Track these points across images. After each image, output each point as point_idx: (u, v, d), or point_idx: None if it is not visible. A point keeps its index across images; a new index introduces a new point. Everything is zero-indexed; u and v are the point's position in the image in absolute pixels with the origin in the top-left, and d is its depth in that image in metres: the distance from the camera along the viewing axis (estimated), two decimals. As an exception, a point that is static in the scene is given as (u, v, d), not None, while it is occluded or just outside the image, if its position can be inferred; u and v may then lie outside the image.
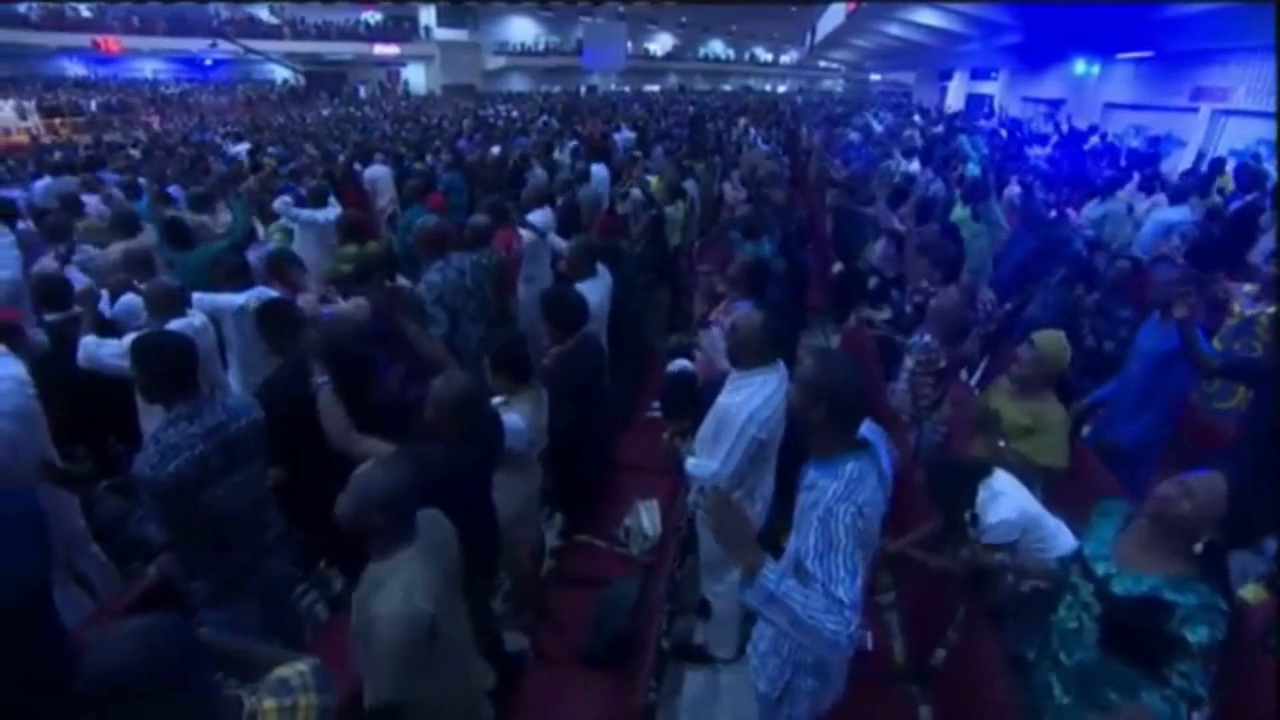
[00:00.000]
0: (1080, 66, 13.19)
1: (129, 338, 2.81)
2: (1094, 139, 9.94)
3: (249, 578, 2.14)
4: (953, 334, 2.79)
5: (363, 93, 29.23)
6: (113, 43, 23.43)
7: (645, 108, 18.17)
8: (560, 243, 3.90)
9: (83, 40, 23.04)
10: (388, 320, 2.94)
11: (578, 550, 2.84)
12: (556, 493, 2.93)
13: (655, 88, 36.19)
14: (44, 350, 2.98)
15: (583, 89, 31.87)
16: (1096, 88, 13.13)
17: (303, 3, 27.39)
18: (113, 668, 0.97)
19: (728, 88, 40.35)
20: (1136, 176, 6.19)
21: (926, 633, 2.34)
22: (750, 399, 2.09)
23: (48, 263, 3.91)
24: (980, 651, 2.07)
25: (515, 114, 16.06)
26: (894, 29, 16.61)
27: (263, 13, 27.42)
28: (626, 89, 34.05)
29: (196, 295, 3.02)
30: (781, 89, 44.21)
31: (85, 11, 23.28)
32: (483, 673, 1.91)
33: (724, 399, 2.17)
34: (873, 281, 4.65)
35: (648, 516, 2.78)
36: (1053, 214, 4.48)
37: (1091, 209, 5.31)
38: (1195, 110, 10.23)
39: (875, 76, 37.05)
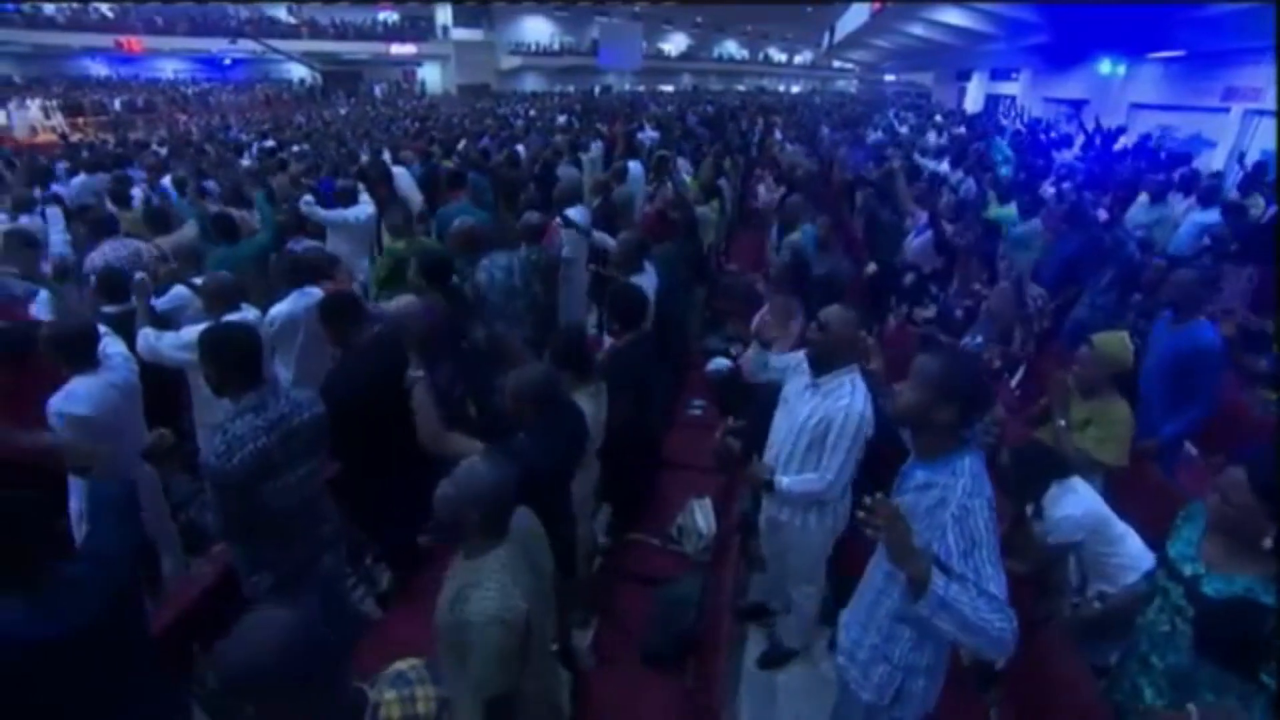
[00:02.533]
0: (1106, 66, 13.03)
1: (188, 330, 2.86)
2: (1123, 139, 9.81)
3: (308, 572, 2.16)
4: (1007, 333, 2.76)
5: (379, 92, 29.40)
6: (135, 43, 23.73)
7: (663, 107, 18.14)
8: (607, 239, 3.89)
9: (105, 40, 23.35)
10: (439, 318, 2.94)
11: (630, 548, 2.83)
12: (609, 490, 2.92)
13: (669, 88, 36.19)
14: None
15: (597, 89, 31.88)
16: (1122, 88, 12.97)
17: (322, 3, 27.60)
18: (255, 659, 0.97)
19: (741, 88, 40.29)
20: (1175, 177, 6.10)
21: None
22: (854, 401, 2.04)
23: (97, 257, 3.96)
24: (1051, 654, 2.04)
25: (533, 113, 16.06)
26: (917, 29, 16.49)
27: (280, 13, 27.68)
28: (641, 88, 34.05)
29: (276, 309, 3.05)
30: (795, 89, 44.11)
31: (108, 12, 23.57)
32: (562, 670, 1.89)
33: (821, 406, 2.08)
34: (909, 277, 4.61)
35: (701, 515, 2.77)
36: (1102, 215, 4.41)
37: (1142, 213, 5.23)
38: (1226, 111, 10.09)
39: (889, 77, 36.85)
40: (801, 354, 2.34)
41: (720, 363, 4.21)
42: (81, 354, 2.38)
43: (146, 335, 2.78)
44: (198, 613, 2.33)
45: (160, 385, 3.10)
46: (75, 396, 2.27)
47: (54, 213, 4.20)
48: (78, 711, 1.41)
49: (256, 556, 2.05)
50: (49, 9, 22.01)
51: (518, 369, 2.00)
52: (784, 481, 2.15)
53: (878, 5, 16.60)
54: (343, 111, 20.74)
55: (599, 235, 3.96)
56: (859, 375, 2.11)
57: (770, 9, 33.08)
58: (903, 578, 1.56)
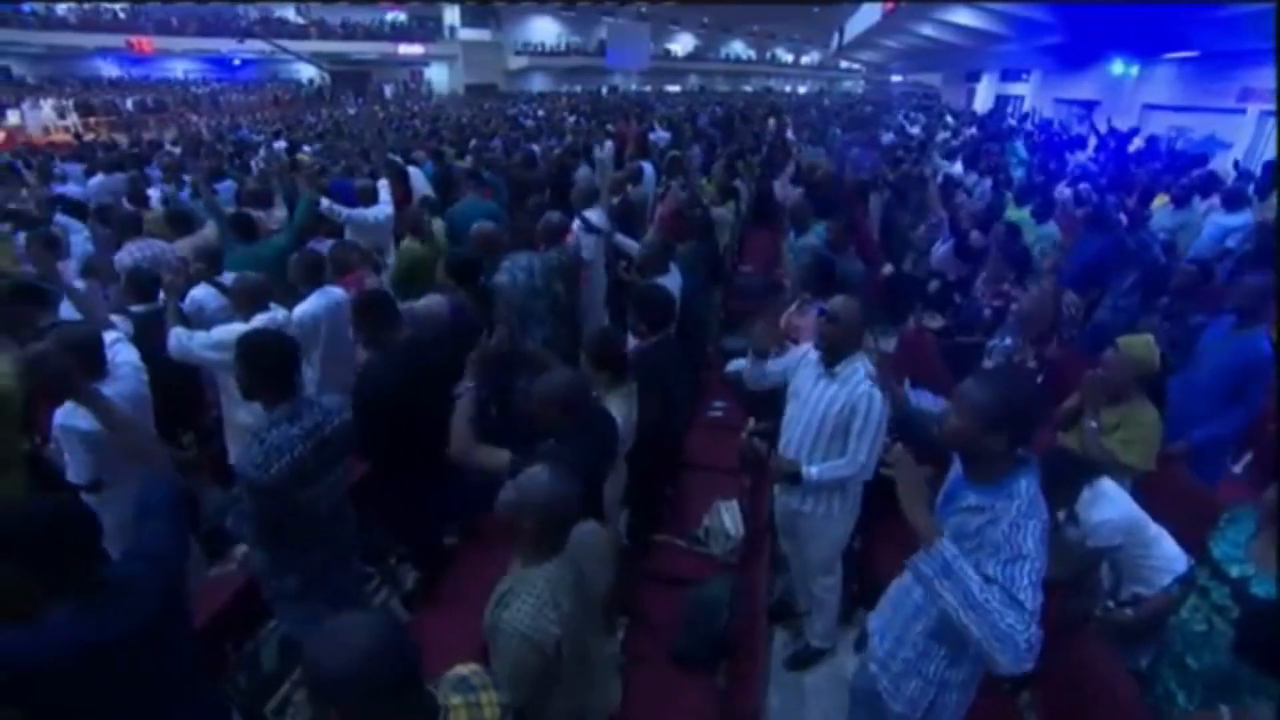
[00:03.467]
0: (1118, 67, 12.97)
1: (219, 330, 2.87)
2: (1136, 141, 9.75)
3: (328, 576, 2.16)
4: (1042, 336, 2.75)
5: (388, 92, 29.51)
6: (146, 43, 23.87)
7: (672, 107, 18.14)
8: (628, 242, 3.89)
9: (117, 41, 23.50)
10: (466, 319, 2.96)
11: (657, 549, 2.84)
12: (632, 492, 2.92)
13: (676, 88, 36.20)
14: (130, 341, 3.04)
15: (604, 89, 31.92)
16: (1135, 89, 12.90)
17: (328, 3, 27.71)
18: (342, 663, 0.97)
19: (748, 88, 40.27)
20: (1195, 179, 6.06)
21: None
22: (871, 384, 2.10)
23: (125, 256, 3.99)
24: (1087, 657, 2.04)
25: (542, 113, 16.09)
26: (928, 29, 16.45)
27: (289, 13, 27.81)
28: (647, 89, 34.07)
29: (301, 309, 3.04)
30: (802, 90, 44.03)
31: (120, 13, 23.73)
32: (614, 685, 1.88)
33: (841, 393, 2.14)
34: (933, 284, 4.61)
35: (729, 516, 2.77)
36: (1122, 217, 4.38)
37: (1167, 217, 5.20)
38: (1242, 112, 10.02)
39: (896, 78, 36.73)
40: (805, 348, 2.41)
41: (740, 364, 4.21)
42: (86, 364, 2.23)
43: (179, 335, 2.78)
44: (230, 614, 2.36)
45: (181, 384, 3.12)
46: (78, 410, 2.12)
47: (73, 225, 4.22)
48: (133, 711, 1.42)
49: (283, 561, 2.04)
50: (61, 9, 22.19)
51: (545, 375, 1.99)
52: (813, 471, 2.18)
53: (890, 5, 16.57)
54: (351, 112, 20.83)
55: (621, 238, 3.96)
56: (867, 359, 2.18)
57: (777, 9, 33.05)
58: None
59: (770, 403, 3.21)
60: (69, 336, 2.23)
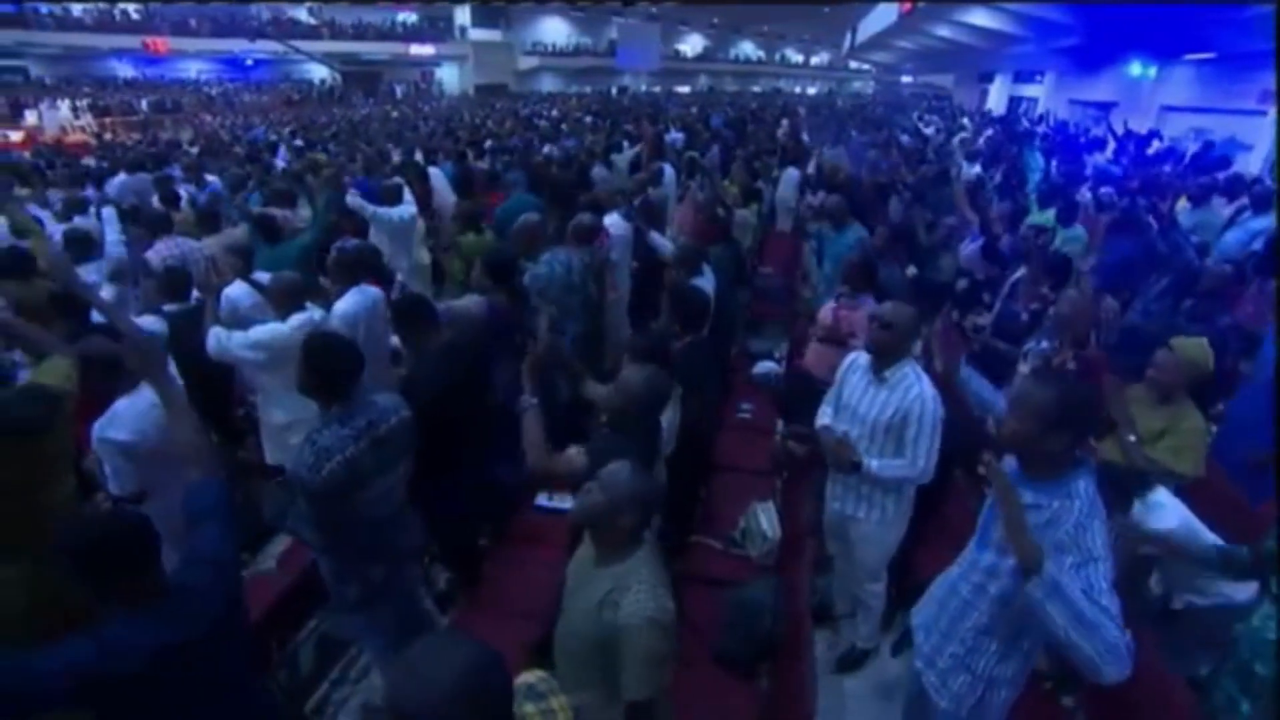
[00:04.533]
0: (1136, 68, 12.87)
1: (256, 329, 2.88)
2: (1156, 143, 9.68)
3: (391, 582, 2.16)
4: (1080, 339, 2.74)
5: (399, 92, 29.65)
6: (161, 43, 24.07)
7: (685, 108, 18.13)
8: (663, 243, 3.89)
9: (133, 42, 23.72)
10: (504, 319, 2.97)
11: (692, 551, 2.84)
12: (668, 493, 2.92)
13: (685, 88, 36.19)
14: (163, 340, 3.05)
15: (614, 89, 31.96)
16: (1153, 90, 12.79)
17: (341, 4, 27.87)
18: (438, 685, 0.91)
19: (757, 89, 40.21)
20: (1221, 180, 6.02)
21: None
22: (924, 387, 2.11)
23: (154, 255, 4.02)
24: (1138, 660, 2.02)
25: (555, 113, 16.11)
26: (943, 30, 16.38)
27: (301, 13, 28.00)
28: (657, 89, 34.08)
29: (341, 308, 3.05)
30: (811, 90, 43.94)
31: (134, 14, 23.94)
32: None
33: (892, 399, 2.13)
34: (962, 284, 4.58)
35: (765, 518, 2.77)
36: (1152, 220, 4.35)
37: (1185, 217, 5.16)
38: (1263, 113, 9.93)
39: (906, 79, 36.61)
40: (854, 355, 2.40)
41: (768, 366, 4.22)
42: (119, 376, 2.21)
43: (217, 334, 2.79)
44: (275, 613, 2.37)
45: (210, 383, 3.14)
46: (115, 421, 2.16)
47: (109, 213, 4.26)
48: (194, 714, 1.43)
49: (346, 568, 2.03)
50: (77, 10, 22.42)
51: (632, 369, 1.97)
52: (874, 464, 2.15)
53: (908, 6, 16.50)
54: (364, 112, 20.93)
55: (656, 238, 3.96)
56: (917, 364, 2.18)
57: (787, 9, 32.97)
58: (994, 590, 1.59)
59: (803, 405, 3.21)
60: (97, 349, 2.19)
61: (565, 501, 3.01)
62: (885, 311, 2.22)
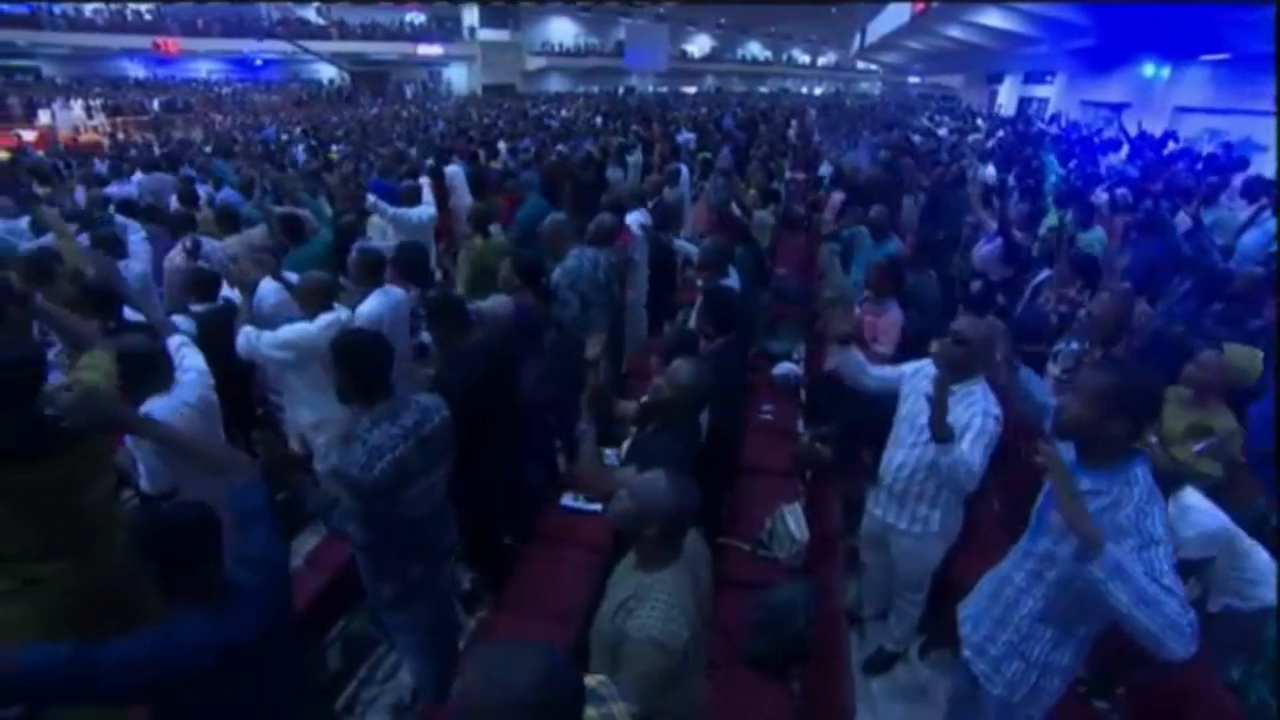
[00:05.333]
0: (1149, 69, 12.80)
1: (285, 329, 2.88)
2: (1171, 144, 9.61)
3: (429, 583, 2.17)
4: (1110, 341, 2.73)
5: (409, 92, 29.75)
6: (172, 44, 24.21)
7: (695, 109, 18.13)
8: (687, 246, 3.89)
9: (144, 42, 23.86)
10: (531, 319, 2.97)
11: (719, 553, 2.83)
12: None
13: (692, 89, 36.19)
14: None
15: (620, 89, 31.99)
16: (1166, 90, 12.72)
17: (349, 4, 27.97)
18: (513, 690, 0.91)
19: (764, 89, 40.19)
20: (1238, 181, 5.98)
21: (1112, 643, 2.28)
22: (989, 405, 2.07)
23: (176, 256, 4.04)
24: (1173, 666, 2.01)
25: (565, 113, 16.13)
26: (955, 31, 16.33)
27: (310, 14, 28.12)
28: (664, 89, 34.09)
29: (365, 308, 3.07)
30: (818, 91, 43.88)
31: (146, 14, 24.09)
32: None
33: (959, 410, 2.06)
34: (976, 285, 4.57)
35: (793, 520, 2.76)
36: (1185, 222, 4.32)
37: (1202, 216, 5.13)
38: None
39: (913, 79, 36.52)
40: (921, 364, 2.36)
41: (787, 367, 4.21)
42: (153, 375, 2.22)
43: (248, 334, 2.80)
44: (304, 612, 2.38)
45: (234, 380, 3.14)
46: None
47: (131, 225, 4.29)
48: (249, 714, 1.44)
49: (386, 565, 2.03)
50: (88, 10, 22.58)
51: (686, 361, 1.96)
52: (959, 449, 2.02)
53: (920, 6, 16.45)
54: (374, 111, 21.00)
55: (681, 241, 3.96)
56: (987, 384, 2.13)
57: (794, 9, 32.94)
58: (1051, 576, 1.61)
59: (837, 407, 3.21)
60: (130, 349, 2.18)
61: (592, 502, 3.02)
62: (962, 327, 2.16)
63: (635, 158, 8.02)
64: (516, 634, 2.37)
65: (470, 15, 30.95)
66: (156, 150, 10.52)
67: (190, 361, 2.41)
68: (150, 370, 2.20)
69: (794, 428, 3.82)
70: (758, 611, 2.38)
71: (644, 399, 2.36)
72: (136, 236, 4.09)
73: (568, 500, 3.02)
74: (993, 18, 13.99)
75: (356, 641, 2.77)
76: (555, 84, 33.67)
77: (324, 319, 2.89)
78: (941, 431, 1.91)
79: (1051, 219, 5.36)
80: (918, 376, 2.29)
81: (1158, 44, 11.90)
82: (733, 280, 3.23)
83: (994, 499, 3.24)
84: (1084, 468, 1.53)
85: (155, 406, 2.17)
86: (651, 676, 1.39)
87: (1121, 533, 1.41)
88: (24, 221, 4.29)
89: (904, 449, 2.30)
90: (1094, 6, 11.19)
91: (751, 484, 3.28)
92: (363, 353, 1.92)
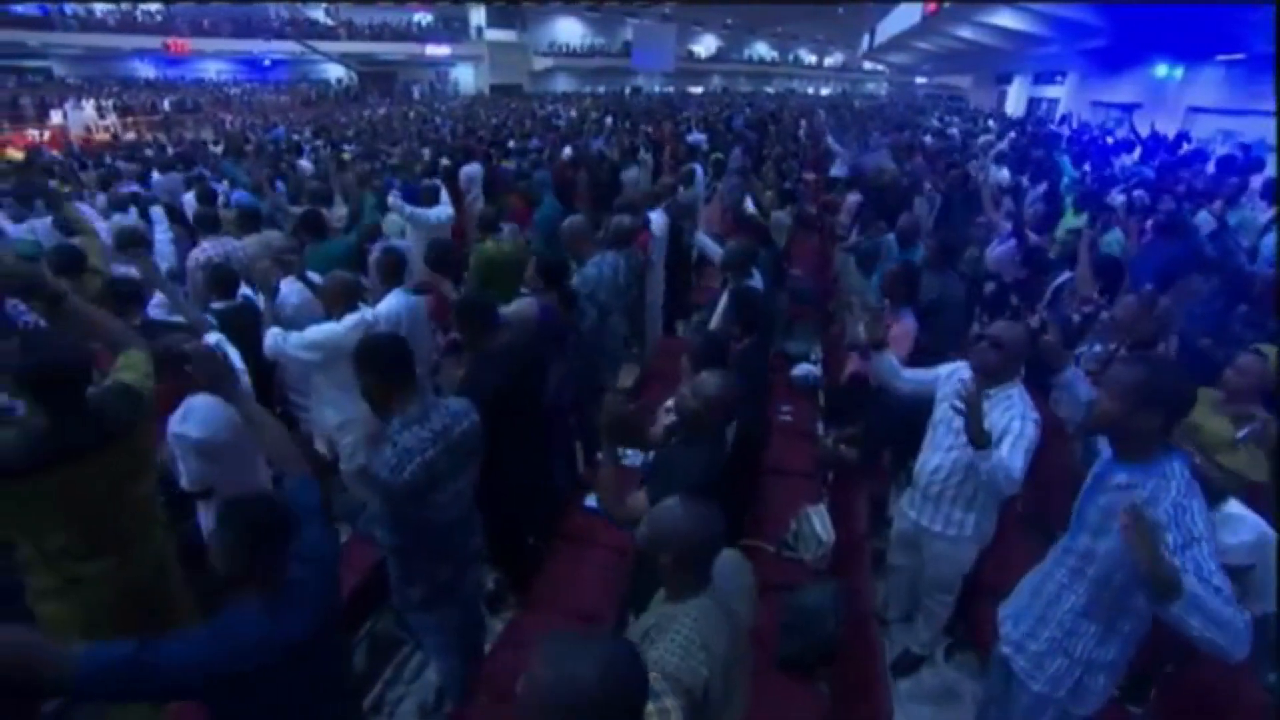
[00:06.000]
0: (1162, 69, 12.73)
1: (312, 330, 2.89)
2: (1186, 145, 9.55)
3: (457, 585, 2.17)
4: (1149, 341, 2.72)
5: (416, 93, 29.82)
6: (182, 44, 24.35)
7: (698, 109, 18.12)
8: (710, 245, 3.89)
9: (154, 42, 24.01)
10: (555, 321, 2.98)
11: (743, 555, 2.83)
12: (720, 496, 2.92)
13: (699, 89, 36.17)
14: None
15: (627, 90, 32.01)
16: (1179, 91, 12.65)
17: (357, 4, 28.07)
18: (580, 682, 0.93)
19: (770, 89, 40.12)
20: (1257, 183, 5.94)
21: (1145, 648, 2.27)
22: (1027, 409, 2.07)
23: (199, 254, 4.06)
24: (1210, 670, 2.00)
25: (574, 113, 16.14)
26: (966, 31, 16.27)
27: (319, 14, 28.23)
28: (670, 90, 34.07)
29: (385, 308, 3.08)
30: (825, 91, 43.81)
31: (157, 15, 24.24)
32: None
33: (988, 418, 2.04)
34: (990, 287, 4.55)
35: (818, 521, 2.75)
36: (1211, 223, 4.30)
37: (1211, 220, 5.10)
38: (1295, 115, 9.78)
39: (920, 80, 36.42)
40: (955, 366, 2.37)
41: (806, 368, 4.21)
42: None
43: (275, 335, 2.80)
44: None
45: (256, 379, 3.15)
46: (190, 416, 2.21)
47: (157, 212, 4.32)
48: (298, 713, 1.45)
49: (413, 571, 2.03)
50: (99, 10, 22.73)
51: (713, 373, 1.95)
52: (999, 453, 2.02)
53: (933, 6, 16.41)
54: (381, 111, 21.05)
55: (705, 241, 3.96)
56: (1023, 388, 2.14)
57: (801, 9, 32.88)
58: (1091, 573, 1.61)
59: (861, 409, 3.20)
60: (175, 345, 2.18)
61: (615, 502, 3.03)
62: (997, 330, 2.16)
63: (646, 158, 8.03)
64: (545, 635, 2.37)
65: (477, 15, 31.01)
66: (169, 150, 10.57)
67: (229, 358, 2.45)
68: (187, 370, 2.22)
69: (813, 429, 3.82)
70: (785, 614, 2.38)
71: (667, 420, 2.37)
72: (164, 235, 4.12)
73: (591, 502, 3.03)
74: (1004, 18, 13.94)
75: (383, 642, 2.78)
76: (562, 84, 33.70)
77: (350, 319, 2.91)
78: (980, 438, 1.91)
79: (1070, 220, 5.34)
80: (953, 379, 2.29)
81: (1173, 44, 11.82)
82: (756, 281, 3.22)
83: (1017, 499, 3.25)
84: (1119, 462, 1.54)
85: (197, 402, 2.20)
86: (661, 710, 1.30)
87: (1160, 528, 1.41)
88: (49, 220, 4.32)
89: (940, 452, 2.31)
90: (1109, 7, 11.13)
91: (772, 485, 3.27)
92: (381, 354, 1.91)
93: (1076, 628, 1.65)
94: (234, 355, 2.57)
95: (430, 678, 2.67)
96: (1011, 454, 1.97)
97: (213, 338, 2.51)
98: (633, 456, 3.36)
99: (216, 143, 12.13)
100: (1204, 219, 4.47)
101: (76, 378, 1.70)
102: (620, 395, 1.95)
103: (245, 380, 2.46)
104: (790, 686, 2.22)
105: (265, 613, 1.31)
